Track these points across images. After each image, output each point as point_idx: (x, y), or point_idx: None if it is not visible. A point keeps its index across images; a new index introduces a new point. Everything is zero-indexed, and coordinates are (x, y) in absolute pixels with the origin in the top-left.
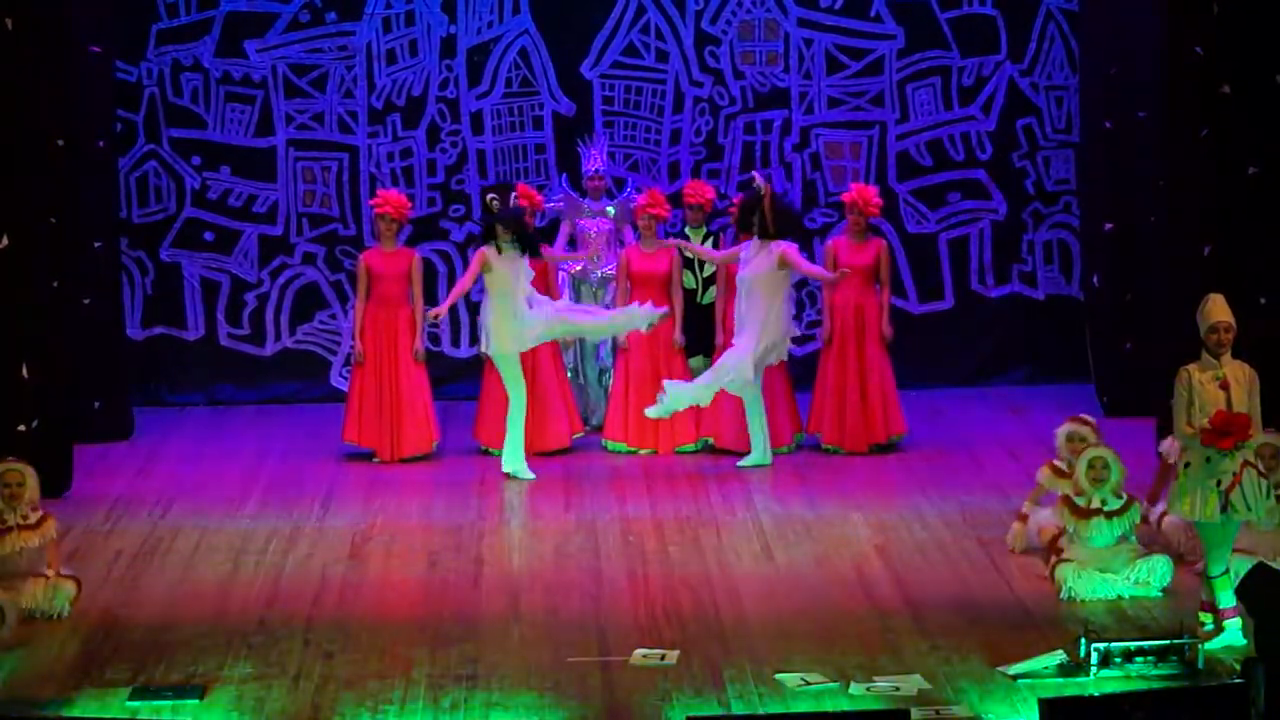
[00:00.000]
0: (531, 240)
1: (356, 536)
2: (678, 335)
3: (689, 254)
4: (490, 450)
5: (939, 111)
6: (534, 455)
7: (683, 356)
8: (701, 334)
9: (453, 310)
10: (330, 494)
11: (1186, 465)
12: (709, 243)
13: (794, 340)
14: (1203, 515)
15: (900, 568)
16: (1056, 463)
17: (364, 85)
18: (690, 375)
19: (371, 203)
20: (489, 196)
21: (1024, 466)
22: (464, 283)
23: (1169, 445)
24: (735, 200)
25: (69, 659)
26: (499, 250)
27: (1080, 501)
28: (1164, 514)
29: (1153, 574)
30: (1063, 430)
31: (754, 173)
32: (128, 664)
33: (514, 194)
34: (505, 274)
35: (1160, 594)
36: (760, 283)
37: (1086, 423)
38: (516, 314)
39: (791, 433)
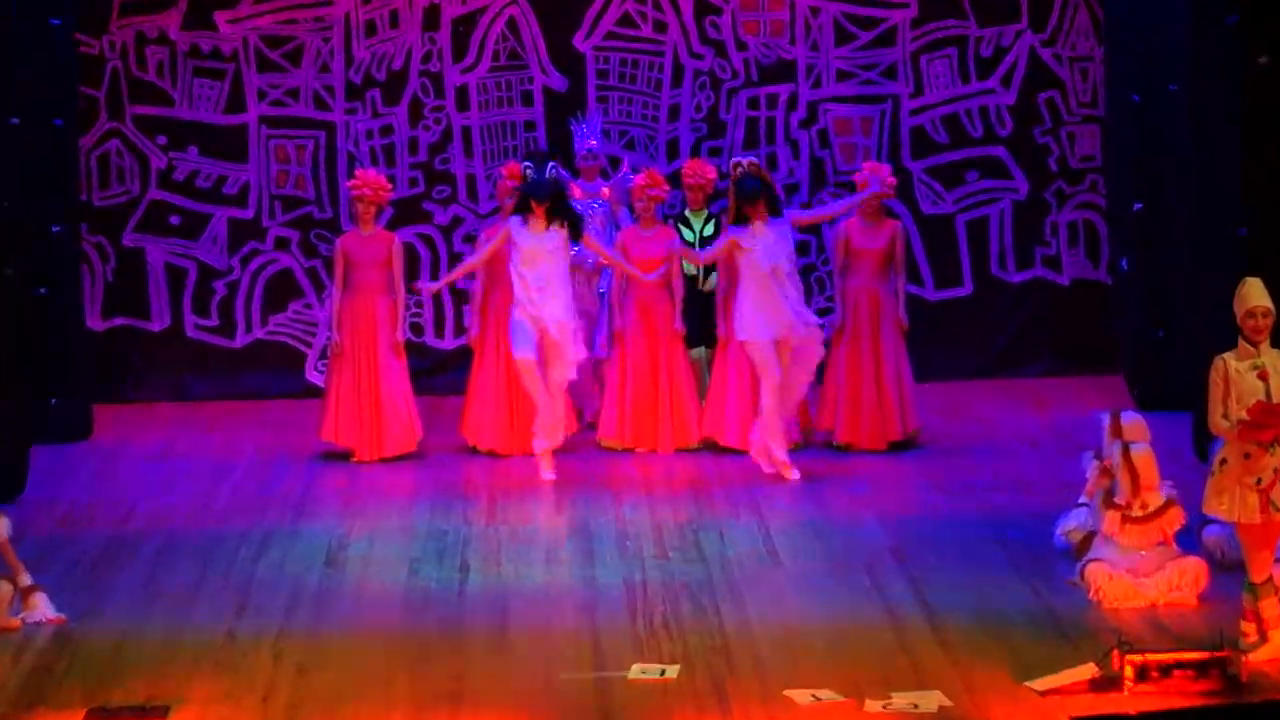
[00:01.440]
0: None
1: (333, 542)
2: (678, 324)
3: (688, 264)
4: (478, 449)
5: (955, 85)
6: (523, 456)
7: (683, 346)
8: (703, 323)
9: (437, 298)
10: (305, 496)
11: (1223, 462)
12: (710, 225)
13: None
14: (1242, 516)
15: (918, 573)
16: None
17: (341, 58)
18: (691, 366)
19: (349, 184)
20: (524, 166)
21: (1049, 462)
22: (476, 260)
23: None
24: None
25: (20, 675)
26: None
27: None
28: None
29: (1187, 578)
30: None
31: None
32: (84, 681)
33: (552, 163)
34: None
35: (1197, 601)
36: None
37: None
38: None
39: (800, 429)
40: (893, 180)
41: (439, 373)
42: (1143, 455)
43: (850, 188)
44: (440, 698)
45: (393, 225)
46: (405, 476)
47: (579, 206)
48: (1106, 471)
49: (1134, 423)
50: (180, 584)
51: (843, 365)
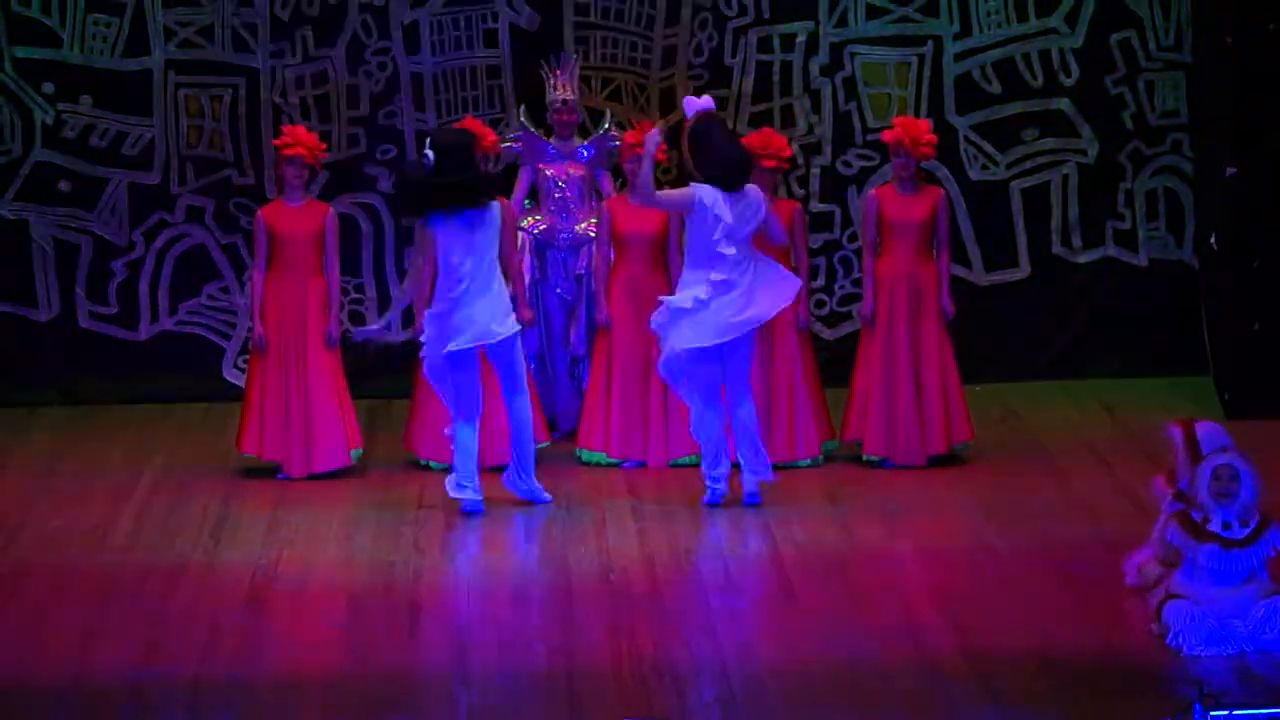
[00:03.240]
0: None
1: (257, 575)
2: None
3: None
4: (430, 464)
5: (1011, 23)
6: (485, 470)
7: None
8: None
9: (380, 284)
10: (223, 520)
11: None
12: None
13: (824, 320)
14: None
15: (961, 612)
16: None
17: None
18: None
19: (276, 143)
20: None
21: (1121, 483)
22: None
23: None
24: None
25: None
26: None
27: (1198, 519)
28: None
29: None
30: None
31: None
32: None
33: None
34: None
35: None
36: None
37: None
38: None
39: (820, 440)
40: (932, 138)
41: (381, 372)
42: (1232, 464)
43: (881, 150)
44: None
45: (326, 194)
46: (343, 495)
47: (552, 173)
48: (1184, 496)
49: (1211, 433)
50: (74, 626)
51: (875, 363)
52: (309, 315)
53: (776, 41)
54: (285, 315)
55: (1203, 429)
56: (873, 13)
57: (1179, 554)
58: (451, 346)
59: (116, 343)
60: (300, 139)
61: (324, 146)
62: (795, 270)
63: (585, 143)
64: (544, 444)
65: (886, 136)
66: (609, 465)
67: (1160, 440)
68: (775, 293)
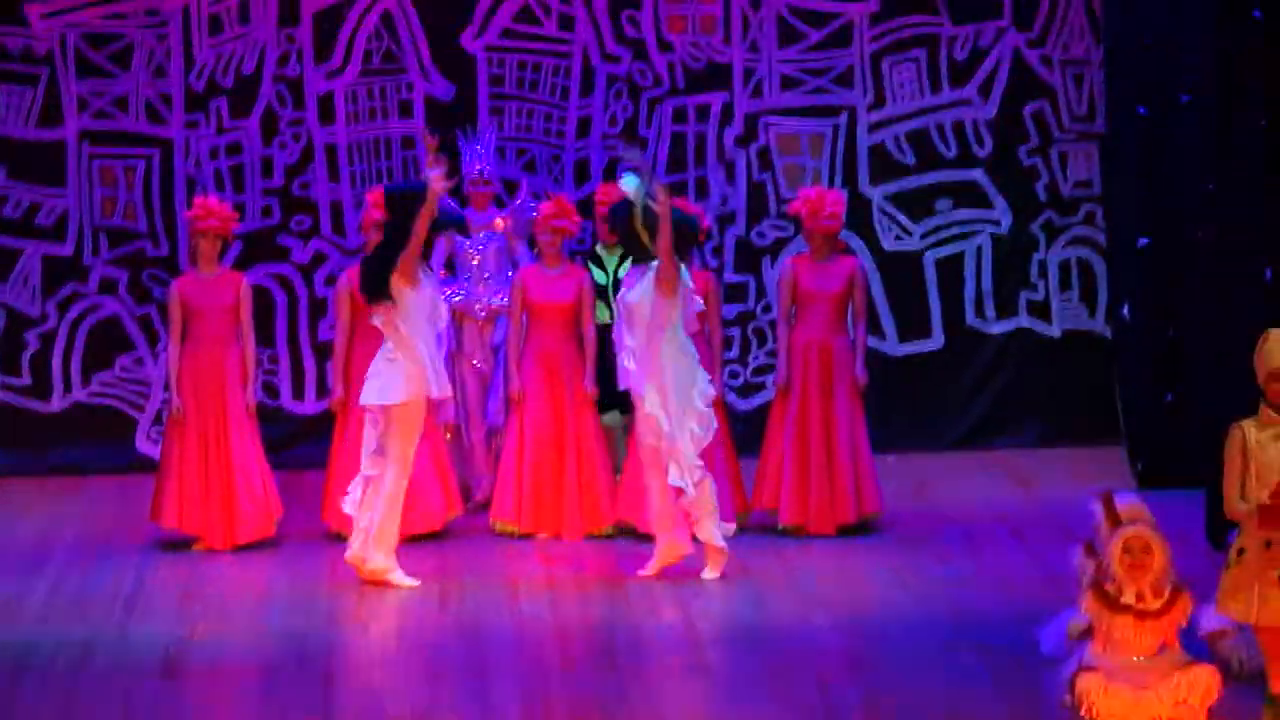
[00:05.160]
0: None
1: (171, 648)
2: (589, 384)
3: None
4: (343, 535)
5: (924, 94)
6: (401, 541)
7: (594, 411)
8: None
9: (294, 355)
10: (137, 592)
11: (1241, 552)
12: (627, 262)
13: (738, 391)
14: (1261, 617)
15: (877, 686)
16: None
17: (180, 60)
18: (604, 435)
19: (188, 214)
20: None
21: (1035, 554)
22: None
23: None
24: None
25: None
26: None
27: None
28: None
29: (1195, 690)
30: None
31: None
32: None
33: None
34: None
35: (1208, 718)
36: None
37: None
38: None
39: (735, 510)
40: (835, 210)
41: (297, 442)
42: (1144, 535)
43: (796, 221)
44: None
45: (241, 264)
46: (257, 568)
47: (467, 244)
48: (1100, 566)
49: (1132, 505)
50: None
51: (787, 432)
52: (226, 386)
53: (691, 112)
54: (202, 386)
55: (1123, 498)
56: (787, 83)
57: (1091, 626)
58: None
59: (28, 414)
60: (212, 210)
61: (236, 217)
62: (709, 340)
63: (501, 213)
64: (456, 515)
65: (792, 209)
66: (523, 537)
67: (1075, 511)
68: None
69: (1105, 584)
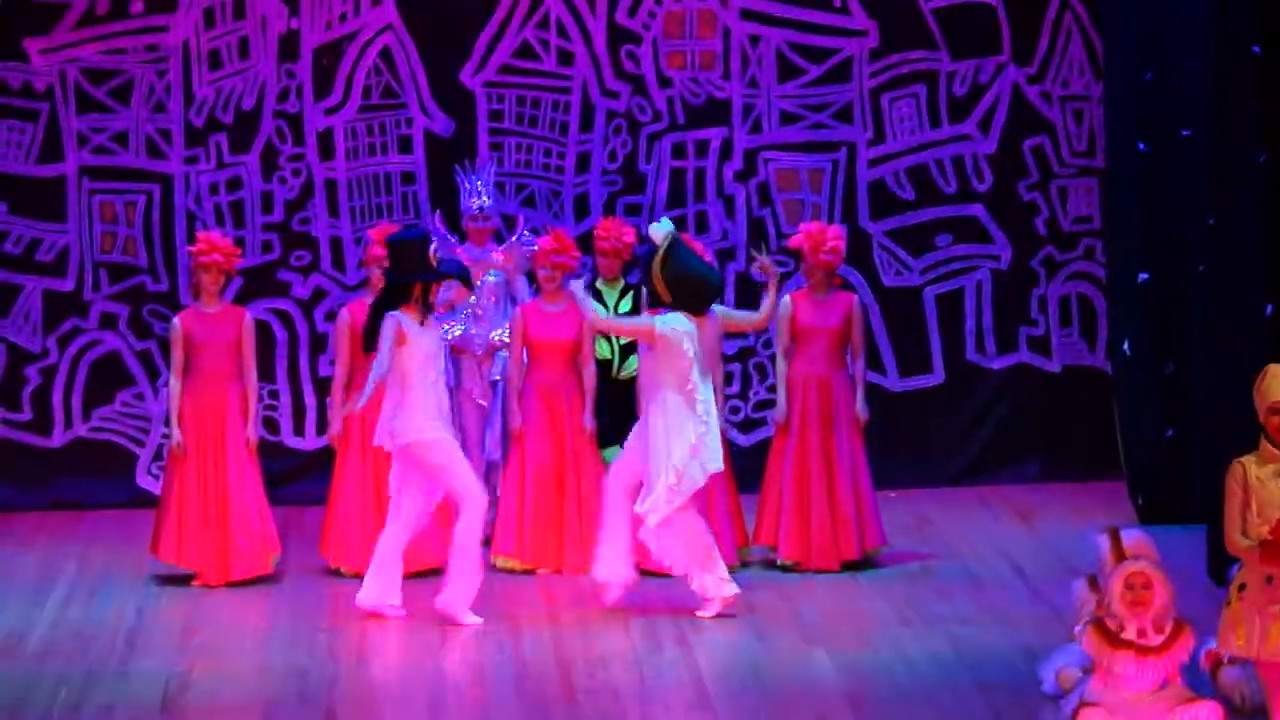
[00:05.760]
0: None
1: (171, 683)
2: (588, 420)
3: (600, 328)
4: (342, 571)
5: (924, 130)
6: (409, 578)
7: (594, 447)
8: (618, 418)
9: (295, 390)
10: (137, 628)
11: (1241, 587)
12: (628, 298)
13: (738, 427)
14: (1263, 653)
15: None
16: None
17: (180, 96)
18: (604, 470)
19: (191, 249)
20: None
21: (1036, 590)
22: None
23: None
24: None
25: None
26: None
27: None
28: (1216, 659)
29: None
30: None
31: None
32: None
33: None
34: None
35: None
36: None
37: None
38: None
39: (736, 546)
40: (835, 244)
41: (297, 478)
42: (1145, 571)
43: (795, 255)
44: None
45: (241, 299)
46: (257, 604)
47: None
48: (1102, 602)
49: (1138, 542)
50: None
51: (787, 468)
52: (227, 421)
53: (691, 147)
54: (203, 422)
55: (1130, 534)
56: (786, 119)
57: (1093, 661)
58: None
59: (29, 450)
60: (215, 245)
61: (239, 252)
62: (710, 375)
63: (500, 249)
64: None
65: (792, 243)
66: (524, 573)
67: (1076, 547)
68: None
69: (1107, 620)
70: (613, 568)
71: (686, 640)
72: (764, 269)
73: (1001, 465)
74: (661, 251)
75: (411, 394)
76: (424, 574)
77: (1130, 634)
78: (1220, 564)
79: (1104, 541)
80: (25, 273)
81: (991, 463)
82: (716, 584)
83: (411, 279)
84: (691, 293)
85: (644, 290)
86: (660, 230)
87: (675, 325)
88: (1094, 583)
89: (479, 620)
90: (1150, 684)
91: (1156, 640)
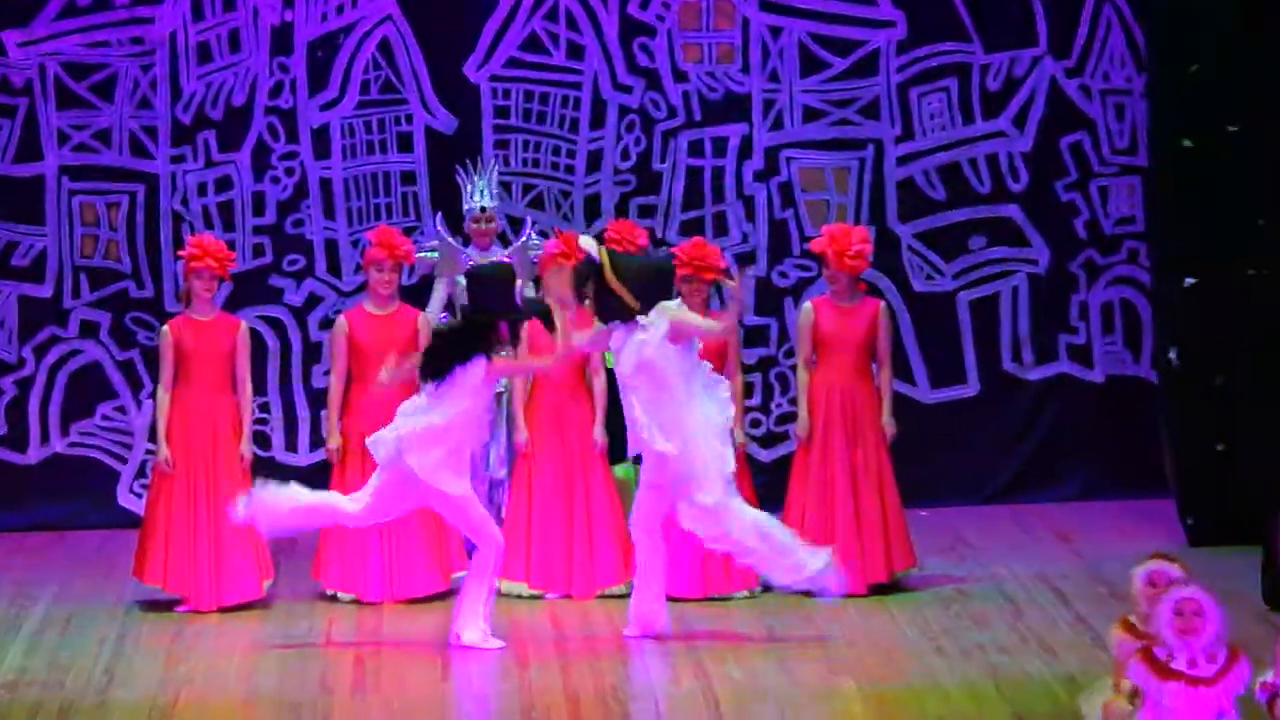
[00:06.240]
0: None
1: (154, 714)
2: (599, 434)
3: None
4: (338, 596)
5: (955, 126)
6: (400, 604)
7: (605, 463)
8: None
9: (287, 403)
10: (118, 655)
11: None
12: None
13: (759, 441)
14: None
15: None
16: (1133, 619)
17: (166, 91)
18: (615, 486)
19: (181, 254)
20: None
21: (1077, 616)
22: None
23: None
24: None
25: None
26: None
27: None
28: (1273, 691)
29: None
30: (1141, 571)
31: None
32: None
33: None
34: None
35: None
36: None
37: (1173, 560)
38: None
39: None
40: (861, 247)
41: None
42: (1196, 597)
43: (818, 259)
44: None
45: (231, 305)
46: (247, 631)
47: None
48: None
49: (1166, 566)
50: None
51: (811, 484)
52: (218, 436)
53: (708, 145)
54: (192, 436)
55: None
56: (810, 115)
57: (1142, 693)
58: None
59: (5, 466)
60: (208, 249)
61: (233, 257)
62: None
63: (505, 253)
64: (460, 574)
65: (814, 247)
66: (530, 598)
67: (1120, 569)
68: None
69: (1155, 649)
70: (648, 622)
71: (705, 670)
72: (732, 292)
73: (1041, 482)
74: (605, 261)
75: (455, 435)
76: (423, 600)
77: (1181, 664)
78: (1277, 588)
79: (1138, 577)
80: (0, 278)
81: (1030, 480)
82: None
83: (494, 317)
84: (656, 283)
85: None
86: (590, 244)
87: (666, 308)
88: (1128, 626)
89: (501, 644)
90: (1203, 716)
91: (1209, 670)
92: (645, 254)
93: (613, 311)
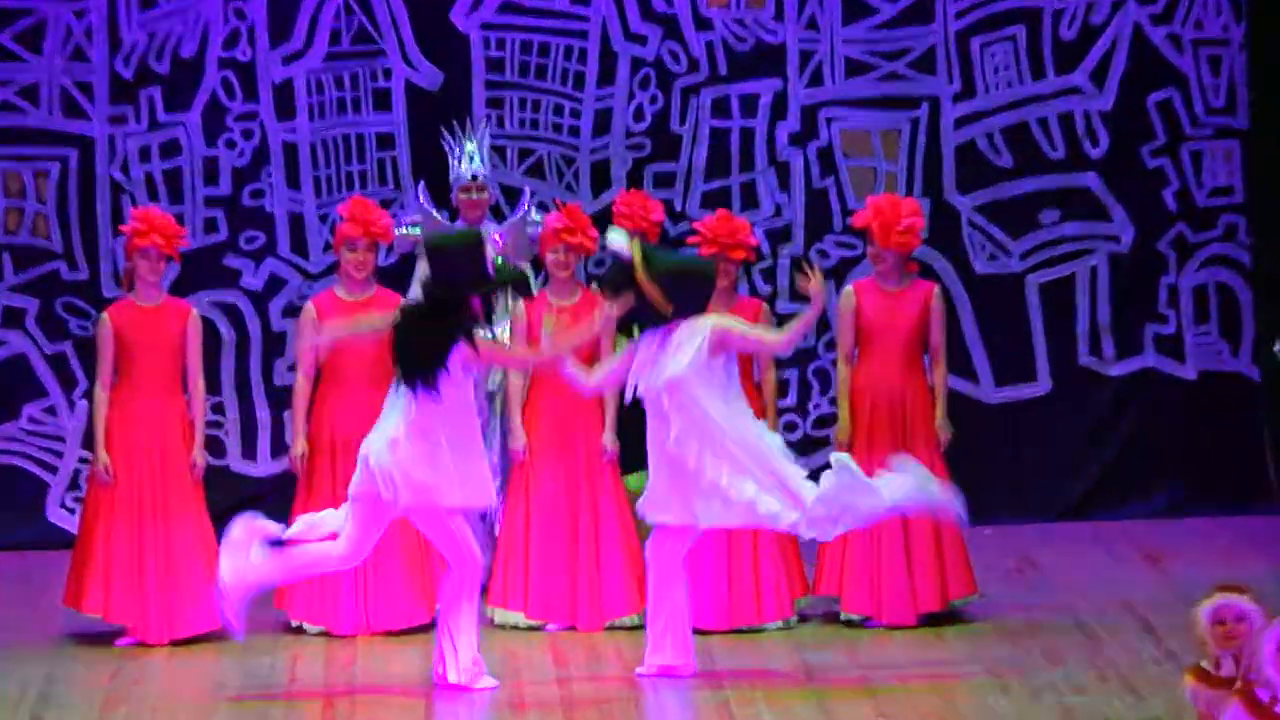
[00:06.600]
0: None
1: None
2: (608, 440)
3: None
4: (304, 627)
5: (1023, 82)
6: (376, 637)
7: (616, 474)
8: (644, 437)
9: (244, 403)
10: (47, 695)
11: None
12: None
13: (795, 447)
14: None
15: None
16: (1205, 665)
17: (104, 41)
18: (627, 497)
19: (125, 229)
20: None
21: (1166, 649)
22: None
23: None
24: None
25: None
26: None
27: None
28: None
29: None
30: (1206, 609)
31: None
32: None
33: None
34: None
35: None
36: None
37: (1243, 591)
38: None
39: (793, 598)
40: (912, 221)
41: (247, 510)
42: (1234, 603)
43: (862, 235)
44: None
45: (178, 289)
46: (198, 667)
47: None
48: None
49: (1234, 600)
50: None
51: None
52: (165, 442)
53: (735, 103)
54: (136, 442)
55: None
56: (854, 68)
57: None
58: None
59: None
60: (153, 224)
61: (183, 233)
62: (758, 387)
63: (500, 228)
64: None
65: (858, 221)
66: (529, 629)
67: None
68: None
69: (1256, 690)
70: (672, 661)
71: (732, 714)
72: (812, 287)
73: (1123, 496)
74: (637, 256)
75: (452, 445)
76: (408, 633)
77: (1228, 670)
78: None
79: (1203, 614)
80: None
81: (1110, 493)
82: None
83: (462, 290)
84: (693, 284)
85: (630, 321)
86: (620, 237)
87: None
88: (1201, 675)
89: (494, 683)
90: None
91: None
92: (680, 249)
93: (640, 314)
